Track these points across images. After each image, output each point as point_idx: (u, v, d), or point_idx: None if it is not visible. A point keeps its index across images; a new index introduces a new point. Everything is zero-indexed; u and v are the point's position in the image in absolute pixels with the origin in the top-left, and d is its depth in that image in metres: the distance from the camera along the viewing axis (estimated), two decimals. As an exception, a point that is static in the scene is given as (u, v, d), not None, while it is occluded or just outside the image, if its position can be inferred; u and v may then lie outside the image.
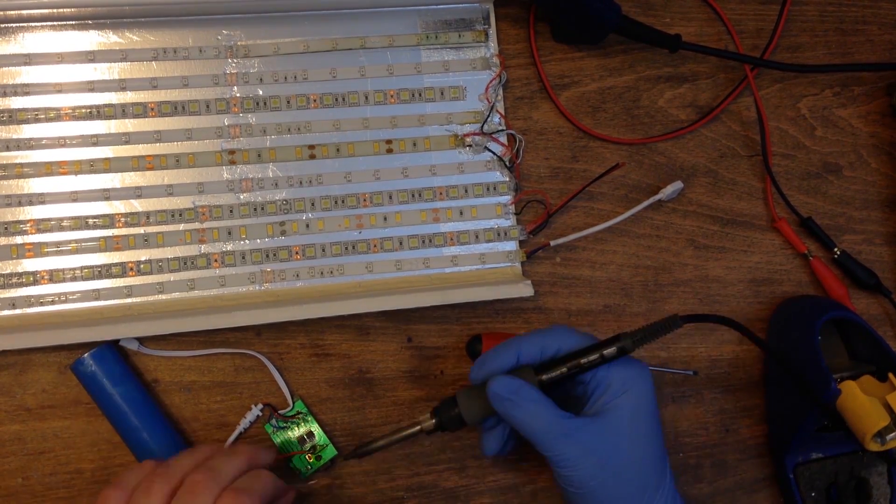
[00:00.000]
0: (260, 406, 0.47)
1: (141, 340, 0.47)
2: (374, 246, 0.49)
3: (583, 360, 0.41)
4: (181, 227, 0.48)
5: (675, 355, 0.52)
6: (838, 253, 0.54)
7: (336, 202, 0.49)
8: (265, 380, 0.48)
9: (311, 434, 0.48)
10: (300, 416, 0.48)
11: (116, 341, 0.46)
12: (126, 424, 0.45)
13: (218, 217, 0.48)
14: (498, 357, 0.42)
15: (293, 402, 0.48)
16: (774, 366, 0.52)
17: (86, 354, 0.44)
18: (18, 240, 0.46)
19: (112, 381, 0.45)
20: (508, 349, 0.42)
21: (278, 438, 0.47)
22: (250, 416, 0.47)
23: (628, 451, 0.40)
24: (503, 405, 0.40)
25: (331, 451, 0.48)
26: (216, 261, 0.48)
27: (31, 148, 0.47)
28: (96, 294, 0.47)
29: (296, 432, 0.48)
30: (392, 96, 0.50)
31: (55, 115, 0.47)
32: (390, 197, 0.50)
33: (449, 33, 0.51)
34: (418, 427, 0.43)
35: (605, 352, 0.41)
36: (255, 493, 0.38)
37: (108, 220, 0.47)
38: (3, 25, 0.47)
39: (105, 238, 0.47)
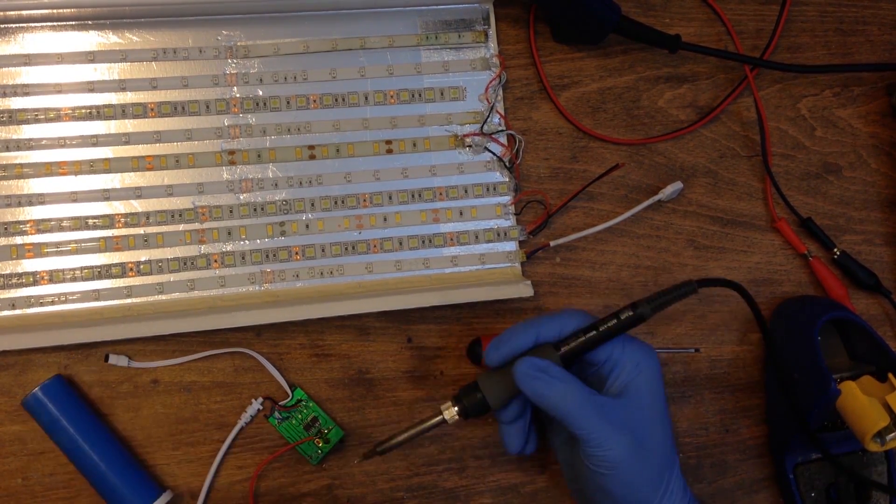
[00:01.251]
0: (260, 400, 0.47)
1: (131, 356, 0.47)
2: (374, 246, 0.49)
3: (601, 327, 0.40)
4: (181, 227, 0.48)
5: (675, 356, 0.52)
6: (838, 253, 0.54)
7: (336, 202, 0.49)
8: (265, 380, 0.48)
9: (315, 419, 0.48)
10: (301, 403, 0.48)
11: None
12: (86, 460, 0.44)
13: (218, 217, 0.48)
14: (516, 337, 0.41)
15: (292, 392, 0.48)
16: (774, 365, 0.52)
17: (36, 389, 0.44)
18: (18, 240, 0.46)
19: (65, 415, 0.44)
20: (527, 329, 0.41)
21: (284, 430, 0.47)
22: (251, 410, 0.47)
23: (652, 429, 0.40)
24: (532, 385, 0.39)
25: (338, 433, 0.48)
26: (216, 261, 0.48)
27: (31, 148, 0.47)
28: (96, 294, 0.47)
29: (300, 420, 0.48)
30: (392, 97, 0.50)
31: (55, 115, 0.47)
32: (390, 197, 0.50)
33: (449, 34, 0.51)
34: (441, 417, 0.42)
35: (621, 316, 0.40)
36: None
37: (108, 221, 0.47)
38: (3, 25, 0.47)
39: (105, 238, 0.47)
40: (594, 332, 0.40)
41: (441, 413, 0.42)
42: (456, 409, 0.41)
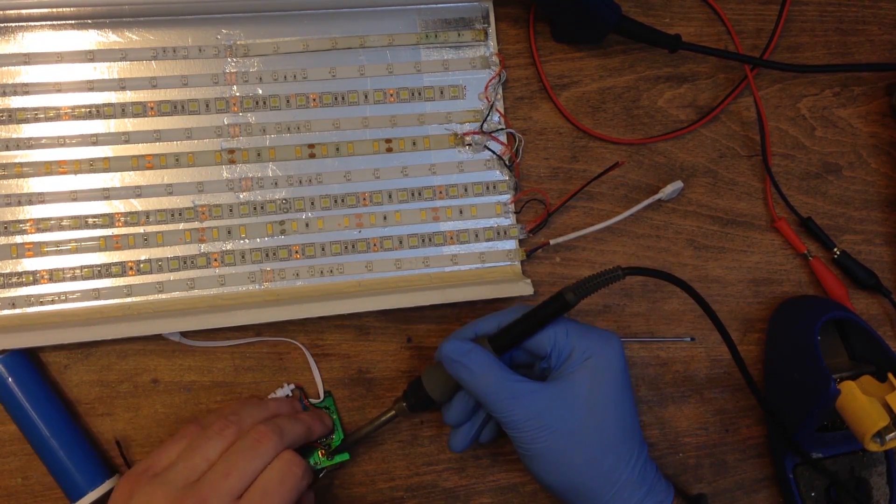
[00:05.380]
0: (291, 386, 0.47)
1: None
2: (374, 245, 0.49)
3: (526, 312, 0.42)
4: (181, 226, 0.48)
5: (675, 355, 0.52)
6: (838, 253, 0.54)
7: (336, 201, 0.49)
8: (264, 380, 0.48)
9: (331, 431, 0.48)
10: (328, 411, 0.48)
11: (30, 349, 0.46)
12: (39, 436, 0.44)
13: (218, 216, 0.48)
14: (459, 333, 0.44)
15: (324, 396, 0.48)
16: (774, 366, 0.52)
17: None
18: (18, 239, 0.46)
19: (24, 389, 0.44)
20: (467, 326, 0.44)
21: None
22: (281, 393, 0.47)
23: (584, 418, 0.40)
24: (454, 367, 0.41)
25: (343, 457, 0.47)
26: (216, 260, 0.48)
27: (30, 147, 0.47)
28: (96, 293, 0.47)
29: None
30: (391, 95, 0.50)
31: (55, 114, 0.47)
32: (390, 196, 0.50)
33: (448, 32, 0.51)
34: (393, 412, 0.45)
35: (548, 303, 0.41)
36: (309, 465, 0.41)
37: (108, 220, 0.47)
38: (3, 25, 0.47)
39: (105, 237, 0.47)
40: (521, 320, 0.42)
41: (393, 408, 0.45)
42: (405, 404, 0.44)
